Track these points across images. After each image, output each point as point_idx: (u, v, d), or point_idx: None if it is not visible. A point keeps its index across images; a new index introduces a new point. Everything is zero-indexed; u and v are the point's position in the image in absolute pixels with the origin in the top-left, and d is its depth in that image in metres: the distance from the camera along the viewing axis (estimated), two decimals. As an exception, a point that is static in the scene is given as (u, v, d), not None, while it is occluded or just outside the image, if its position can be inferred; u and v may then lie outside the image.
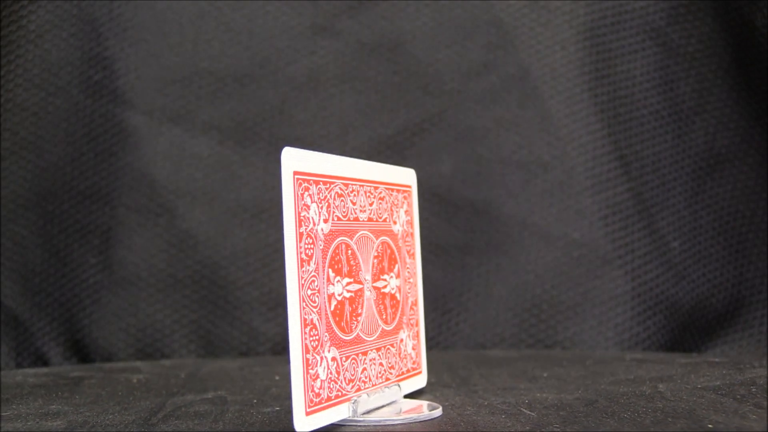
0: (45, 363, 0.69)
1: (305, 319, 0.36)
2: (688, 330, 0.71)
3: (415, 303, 0.47)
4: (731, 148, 0.73)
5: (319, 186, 0.38)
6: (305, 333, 0.36)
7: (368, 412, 0.40)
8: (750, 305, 0.72)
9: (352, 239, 0.41)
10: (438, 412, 0.41)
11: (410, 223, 0.47)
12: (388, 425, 0.39)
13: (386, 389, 0.42)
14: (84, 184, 0.70)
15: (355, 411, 0.39)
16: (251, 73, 0.72)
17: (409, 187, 0.47)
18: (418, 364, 0.47)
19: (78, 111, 0.71)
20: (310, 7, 0.73)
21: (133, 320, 0.70)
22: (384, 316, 0.43)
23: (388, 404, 0.42)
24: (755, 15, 0.69)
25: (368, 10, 0.73)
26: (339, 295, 0.39)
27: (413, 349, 0.46)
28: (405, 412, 0.41)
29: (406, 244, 0.46)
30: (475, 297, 0.70)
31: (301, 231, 0.36)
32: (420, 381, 0.47)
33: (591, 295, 0.70)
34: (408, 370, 0.45)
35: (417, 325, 0.47)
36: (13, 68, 0.69)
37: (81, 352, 0.70)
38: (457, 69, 0.72)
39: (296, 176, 0.36)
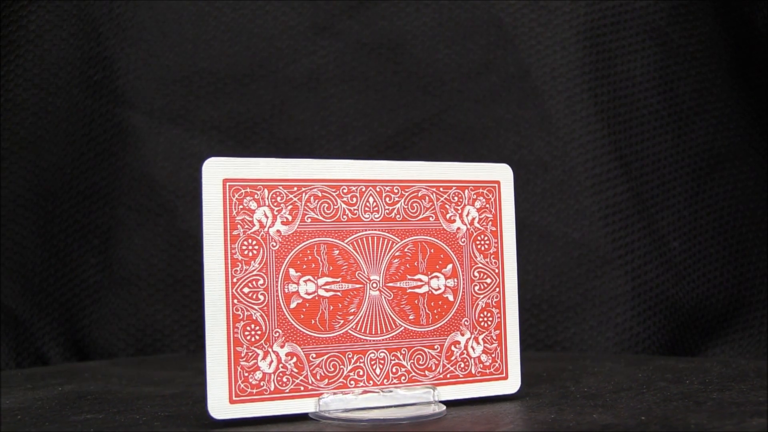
0: (45, 363, 0.69)
1: (237, 315, 0.39)
2: (688, 330, 0.71)
3: (495, 305, 0.46)
4: (731, 148, 0.73)
5: (276, 190, 0.41)
6: (235, 327, 0.39)
7: (361, 410, 0.40)
8: (750, 305, 0.72)
9: (344, 240, 0.42)
10: (423, 416, 0.40)
11: (492, 221, 0.46)
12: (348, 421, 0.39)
13: (396, 390, 0.42)
14: (84, 184, 0.70)
15: (319, 407, 0.40)
16: (251, 73, 0.72)
17: (495, 183, 0.46)
18: (501, 369, 0.45)
19: (78, 111, 0.71)
20: (310, 7, 0.73)
21: (133, 320, 0.70)
22: (411, 317, 0.43)
23: (397, 405, 0.41)
24: (755, 15, 0.69)
25: (368, 10, 0.73)
26: (309, 293, 0.41)
27: (486, 352, 0.45)
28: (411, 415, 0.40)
29: (479, 243, 0.45)
30: (475, 297, 0.70)
31: (235, 233, 0.40)
32: (502, 387, 0.45)
33: (591, 295, 0.69)
34: (470, 374, 0.44)
35: (499, 328, 0.46)
36: (13, 68, 0.69)
37: (81, 352, 0.70)
38: (457, 69, 0.72)
39: (228, 183, 0.40)
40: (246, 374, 0.39)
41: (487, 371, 0.45)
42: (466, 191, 0.45)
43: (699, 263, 0.71)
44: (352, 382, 0.41)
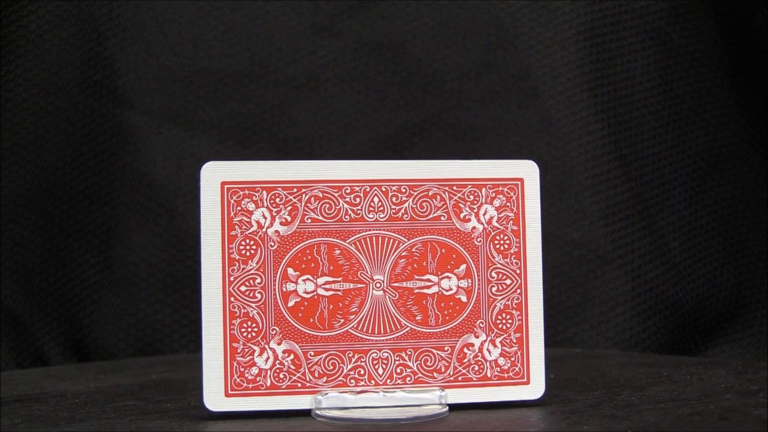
0: (45, 363, 0.69)
1: (233, 312, 0.40)
2: (688, 330, 0.71)
3: (516, 307, 0.44)
4: (731, 148, 0.73)
5: (275, 192, 0.41)
6: (231, 324, 0.40)
7: (358, 409, 0.40)
8: (750, 305, 0.72)
9: (345, 240, 0.42)
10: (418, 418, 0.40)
11: (513, 219, 0.44)
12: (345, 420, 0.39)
13: (397, 391, 0.42)
14: (84, 184, 0.70)
15: (315, 404, 0.40)
16: (251, 73, 0.72)
17: (517, 180, 0.44)
18: (521, 373, 0.44)
19: (78, 111, 0.71)
20: (310, 7, 0.73)
21: (133, 320, 0.70)
22: (419, 317, 0.43)
23: (396, 406, 0.41)
24: (755, 15, 0.70)
25: (368, 10, 0.73)
26: (308, 292, 0.41)
27: (504, 356, 0.44)
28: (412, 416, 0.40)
29: (497, 243, 0.44)
30: (475, 297, 0.70)
31: (233, 234, 0.41)
32: (522, 392, 0.44)
33: (591, 295, 0.70)
34: (485, 378, 0.43)
35: (520, 330, 0.44)
36: (13, 68, 0.69)
37: (81, 352, 0.70)
38: (457, 69, 0.72)
39: (226, 186, 0.41)
40: (242, 369, 0.40)
41: (506, 375, 0.43)
42: (483, 189, 0.44)
43: (699, 263, 0.71)
44: (352, 381, 0.41)
